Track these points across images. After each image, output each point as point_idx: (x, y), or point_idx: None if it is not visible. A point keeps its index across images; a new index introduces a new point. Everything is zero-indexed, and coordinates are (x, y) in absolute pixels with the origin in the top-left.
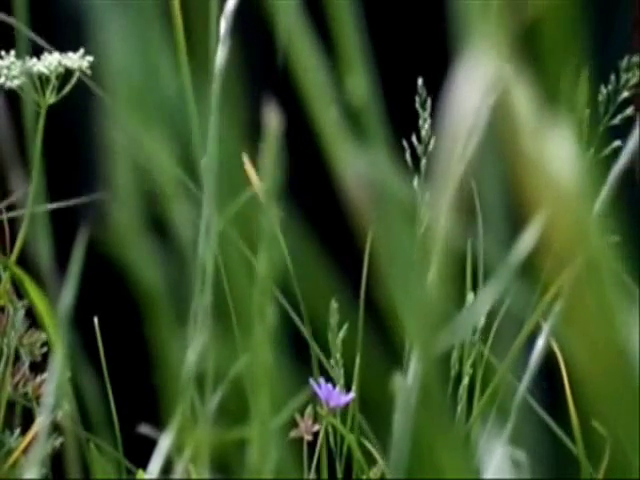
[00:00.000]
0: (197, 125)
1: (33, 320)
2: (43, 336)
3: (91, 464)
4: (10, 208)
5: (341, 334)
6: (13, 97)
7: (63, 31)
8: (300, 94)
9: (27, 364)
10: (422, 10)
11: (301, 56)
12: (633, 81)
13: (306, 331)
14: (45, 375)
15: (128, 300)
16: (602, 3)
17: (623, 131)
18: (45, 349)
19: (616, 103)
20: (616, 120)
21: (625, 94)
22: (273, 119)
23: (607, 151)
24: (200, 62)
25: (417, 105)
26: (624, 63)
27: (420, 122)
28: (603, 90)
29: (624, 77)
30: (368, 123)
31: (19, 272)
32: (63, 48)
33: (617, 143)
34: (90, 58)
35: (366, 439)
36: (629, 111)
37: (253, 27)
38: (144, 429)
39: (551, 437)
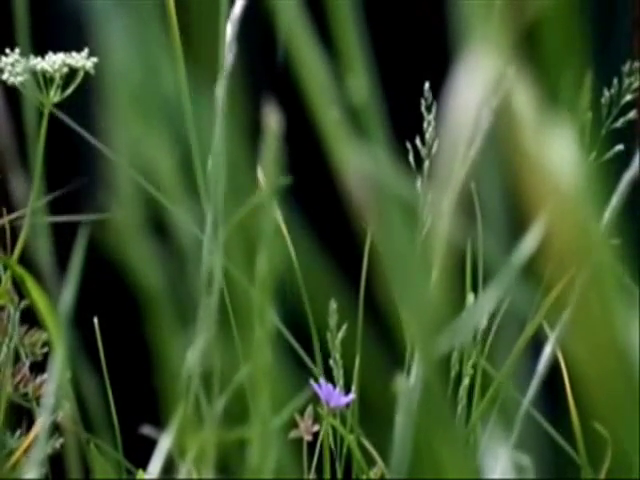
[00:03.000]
0: (197, 126)
1: (33, 320)
2: (44, 336)
3: (91, 464)
4: (11, 208)
5: (340, 334)
6: (15, 97)
7: (64, 31)
8: (302, 93)
9: (28, 364)
10: (423, 10)
11: (302, 55)
12: (636, 84)
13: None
14: (45, 375)
15: (128, 300)
16: (602, 4)
17: (625, 134)
18: (46, 349)
19: (619, 106)
20: (618, 123)
21: (628, 97)
22: (273, 119)
23: (609, 154)
24: (205, 65)
25: (422, 108)
26: (627, 67)
27: (424, 125)
28: (606, 93)
29: (627, 81)
30: (369, 122)
31: (20, 271)
32: (64, 48)
33: (619, 146)
34: (94, 58)
35: (366, 439)
36: (632, 114)
37: (254, 27)
38: (145, 430)
39: (552, 439)
